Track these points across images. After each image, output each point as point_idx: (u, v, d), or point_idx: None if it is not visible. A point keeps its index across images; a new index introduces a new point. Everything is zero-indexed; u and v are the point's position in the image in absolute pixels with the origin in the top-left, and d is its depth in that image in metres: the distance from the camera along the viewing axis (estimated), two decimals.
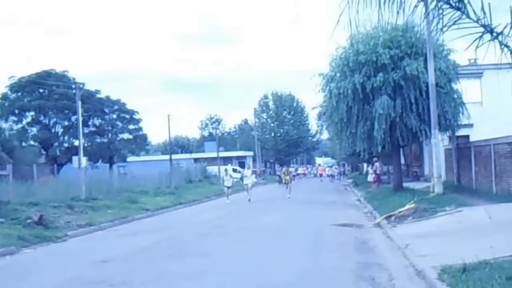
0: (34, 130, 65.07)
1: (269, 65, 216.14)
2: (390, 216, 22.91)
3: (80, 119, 35.89)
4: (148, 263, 15.23)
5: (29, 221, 22.97)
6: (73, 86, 62.44)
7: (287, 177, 45.34)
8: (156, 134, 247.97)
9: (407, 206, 23.26)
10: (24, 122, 64.56)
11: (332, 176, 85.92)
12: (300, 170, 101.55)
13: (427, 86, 28.02)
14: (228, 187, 41.72)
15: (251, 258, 15.52)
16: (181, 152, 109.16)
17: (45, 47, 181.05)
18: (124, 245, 19.36)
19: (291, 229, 22.31)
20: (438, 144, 28.12)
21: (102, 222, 26.42)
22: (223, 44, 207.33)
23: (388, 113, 29.41)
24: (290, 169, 58.86)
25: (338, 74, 31.70)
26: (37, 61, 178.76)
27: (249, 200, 39.61)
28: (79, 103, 35.57)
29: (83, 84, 62.92)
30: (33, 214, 23.92)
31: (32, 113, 63.83)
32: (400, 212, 22.90)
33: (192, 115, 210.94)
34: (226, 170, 46.33)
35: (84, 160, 35.62)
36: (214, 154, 75.94)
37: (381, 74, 29.70)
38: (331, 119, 33.44)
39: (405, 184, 35.41)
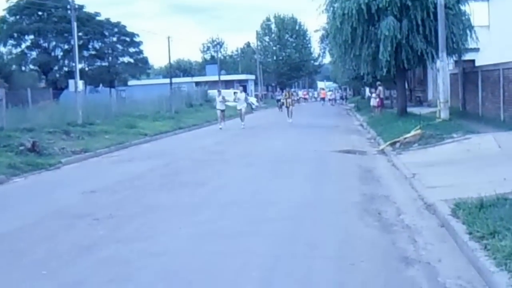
0: (33, 54, 64.11)
1: None
2: (395, 143, 22.13)
3: (76, 41, 34.67)
4: (139, 193, 14.43)
5: (21, 148, 21.97)
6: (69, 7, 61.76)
7: (289, 100, 41.89)
8: (158, 58, 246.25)
9: (412, 132, 22.45)
10: (23, 46, 63.54)
11: (334, 100, 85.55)
12: (301, 94, 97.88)
13: (435, 7, 26.97)
14: (222, 111, 37.64)
15: (249, 188, 14.71)
16: (183, 76, 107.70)
17: None
18: (116, 173, 18.52)
19: (292, 155, 21.44)
20: (445, 68, 27.15)
21: (98, 148, 25.56)
22: None
23: (394, 35, 28.30)
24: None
25: None
26: None
27: (243, 127, 36.47)
28: (75, 24, 34.22)
29: (82, 6, 61.92)
30: (26, 140, 22.84)
31: (32, 36, 62.69)
32: (405, 138, 22.08)
33: (195, 39, 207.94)
34: (219, 91, 42.25)
35: (80, 84, 34.43)
36: (215, 78, 74.67)
37: None
38: (334, 41, 32.29)
39: (408, 109, 34.61)
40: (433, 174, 15.14)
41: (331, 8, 31.31)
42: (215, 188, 14.90)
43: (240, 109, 38.48)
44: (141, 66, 71.09)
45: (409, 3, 28.15)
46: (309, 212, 11.66)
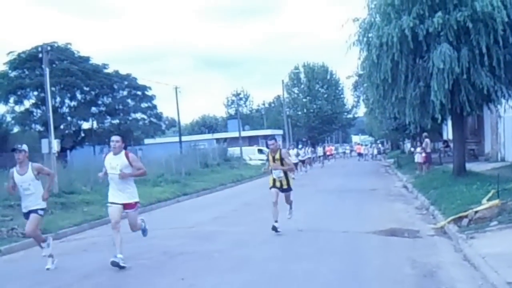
0: (39, 112, 59.15)
1: (303, 39, 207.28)
2: (460, 218, 15.27)
3: (49, 89, 28.37)
4: None
5: None
6: (78, 58, 56.82)
7: (281, 167, 16.67)
8: (185, 114, 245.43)
9: (486, 203, 15.60)
10: (28, 103, 58.66)
11: (366, 155, 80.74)
12: (320, 151, 72.66)
13: (504, 29, 20.41)
14: None
15: None
16: (209, 133, 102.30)
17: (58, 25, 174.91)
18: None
19: (311, 243, 14.63)
20: None
21: (63, 227, 19.56)
22: (255, 19, 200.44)
23: (450, 68, 21.41)
24: (289, 151, 36.21)
25: (378, 18, 23.71)
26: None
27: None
28: (47, 70, 28.11)
29: (88, 58, 57.56)
30: None
31: (36, 92, 57.82)
32: (476, 212, 15.18)
33: (224, 93, 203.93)
34: None
35: (55, 144, 28.15)
36: (237, 134, 68.44)
37: (439, 14, 21.53)
38: (370, 81, 25.52)
39: None
40: None
41: (365, 39, 24.68)
42: None
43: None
44: (155, 123, 65.42)
45: (470, 25, 20.94)
46: None
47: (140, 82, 62.53)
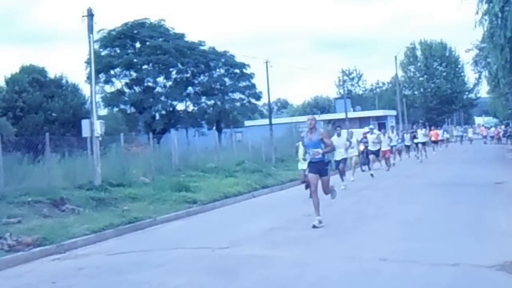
0: (130, 91, 56.02)
1: (421, 21, 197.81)
2: None
3: (93, 63, 23.14)
4: None
5: None
6: (173, 35, 53.21)
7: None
8: (297, 96, 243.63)
9: None
10: (119, 83, 55.48)
11: (485, 137, 76.92)
12: (420, 134, 47.17)
13: None
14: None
15: None
16: (321, 114, 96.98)
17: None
18: None
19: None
20: None
21: (74, 235, 14.70)
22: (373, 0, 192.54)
23: None
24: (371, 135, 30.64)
25: None
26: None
27: None
28: (91, 37, 22.69)
29: (183, 35, 54.23)
30: None
31: (126, 72, 54.58)
32: None
33: (337, 75, 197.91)
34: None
35: (98, 126, 22.27)
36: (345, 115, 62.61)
37: None
38: (492, 42, 19.83)
39: None
40: None
41: None
42: None
43: None
44: (253, 104, 60.79)
45: None
46: None
47: (238, 59, 58.11)
